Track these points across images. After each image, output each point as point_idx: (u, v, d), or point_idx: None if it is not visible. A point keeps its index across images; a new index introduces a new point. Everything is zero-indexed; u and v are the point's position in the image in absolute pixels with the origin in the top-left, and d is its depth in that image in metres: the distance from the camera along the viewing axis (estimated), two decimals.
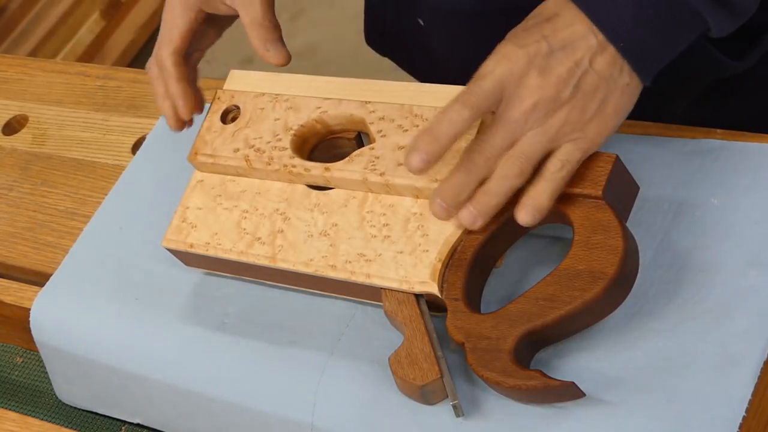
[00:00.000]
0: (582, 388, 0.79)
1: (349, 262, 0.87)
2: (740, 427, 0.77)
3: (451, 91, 0.87)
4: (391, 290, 0.86)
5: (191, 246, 0.94)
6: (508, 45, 0.80)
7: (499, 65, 0.80)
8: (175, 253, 0.96)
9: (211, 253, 0.93)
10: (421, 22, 1.07)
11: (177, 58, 0.96)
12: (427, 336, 0.84)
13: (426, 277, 0.84)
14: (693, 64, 0.90)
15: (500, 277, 0.86)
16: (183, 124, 0.97)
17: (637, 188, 0.86)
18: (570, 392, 0.79)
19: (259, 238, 0.91)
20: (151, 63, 0.98)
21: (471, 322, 0.82)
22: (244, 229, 0.92)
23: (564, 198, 0.82)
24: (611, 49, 0.79)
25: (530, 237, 0.88)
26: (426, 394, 0.83)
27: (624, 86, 0.81)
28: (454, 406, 0.82)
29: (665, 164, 0.90)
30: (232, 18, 0.99)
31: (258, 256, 0.91)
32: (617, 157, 0.83)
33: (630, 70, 0.80)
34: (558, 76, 0.79)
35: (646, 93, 0.83)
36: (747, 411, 0.77)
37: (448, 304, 0.83)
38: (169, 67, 0.96)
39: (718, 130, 0.92)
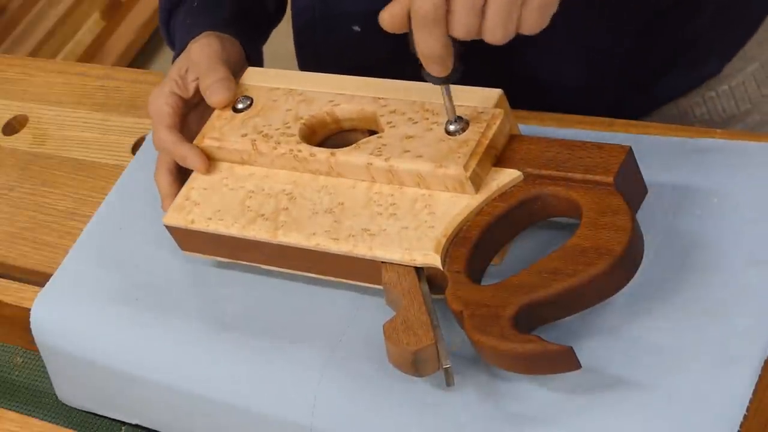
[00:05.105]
0: (582, 388, 0.79)
1: (353, 236, 0.87)
2: (740, 427, 0.77)
3: (460, 91, 0.87)
4: (393, 264, 0.86)
5: (192, 222, 0.94)
6: None
7: None
8: (175, 231, 0.95)
9: (212, 228, 0.92)
10: (358, 29, 1.08)
11: (174, 131, 0.97)
12: (424, 306, 0.83)
13: (429, 249, 0.84)
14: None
15: (498, 276, 0.86)
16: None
17: (646, 191, 0.86)
18: (567, 360, 0.78)
19: (263, 215, 0.91)
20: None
21: (471, 291, 0.82)
22: (248, 207, 0.92)
23: (574, 185, 0.83)
24: None
25: (530, 236, 0.88)
26: (418, 363, 0.81)
27: None
28: (446, 371, 0.81)
29: (665, 164, 0.91)
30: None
31: (259, 230, 0.91)
32: (630, 148, 0.84)
33: None
34: None
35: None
36: (747, 411, 0.77)
37: (450, 276, 0.83)
38: (167, 137, 0.96)
39: (718, 130, 0.93)
